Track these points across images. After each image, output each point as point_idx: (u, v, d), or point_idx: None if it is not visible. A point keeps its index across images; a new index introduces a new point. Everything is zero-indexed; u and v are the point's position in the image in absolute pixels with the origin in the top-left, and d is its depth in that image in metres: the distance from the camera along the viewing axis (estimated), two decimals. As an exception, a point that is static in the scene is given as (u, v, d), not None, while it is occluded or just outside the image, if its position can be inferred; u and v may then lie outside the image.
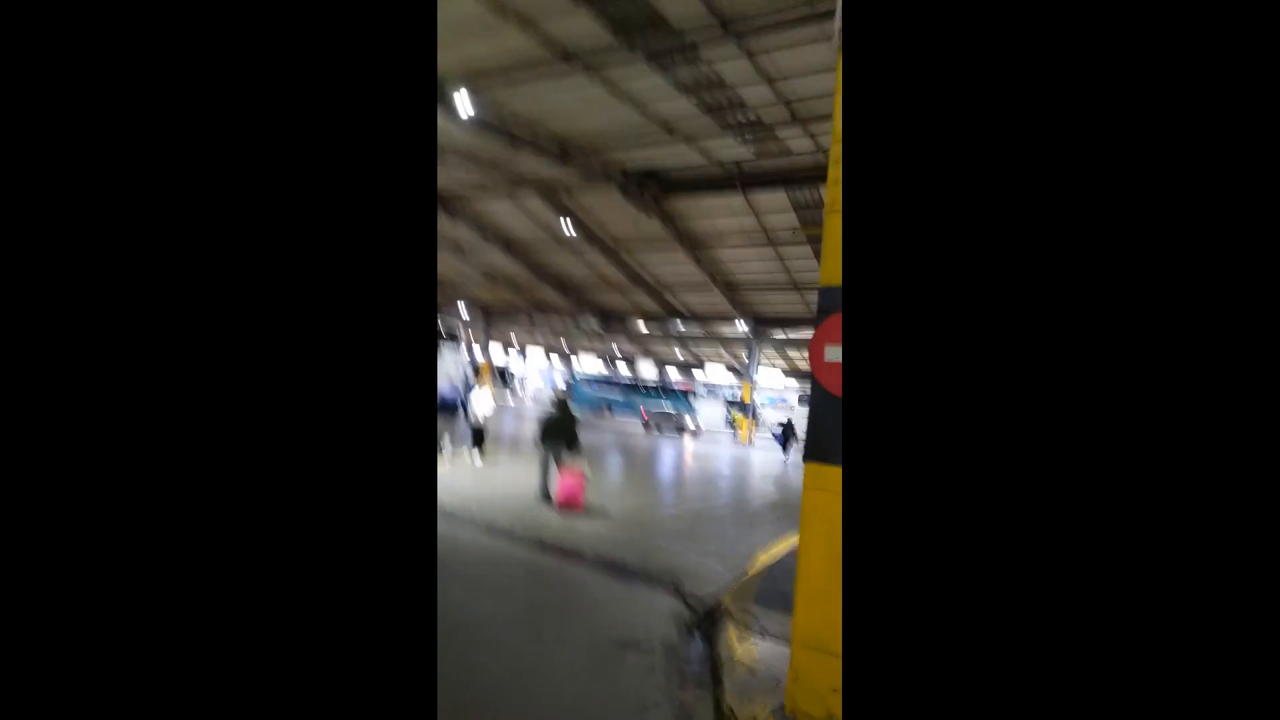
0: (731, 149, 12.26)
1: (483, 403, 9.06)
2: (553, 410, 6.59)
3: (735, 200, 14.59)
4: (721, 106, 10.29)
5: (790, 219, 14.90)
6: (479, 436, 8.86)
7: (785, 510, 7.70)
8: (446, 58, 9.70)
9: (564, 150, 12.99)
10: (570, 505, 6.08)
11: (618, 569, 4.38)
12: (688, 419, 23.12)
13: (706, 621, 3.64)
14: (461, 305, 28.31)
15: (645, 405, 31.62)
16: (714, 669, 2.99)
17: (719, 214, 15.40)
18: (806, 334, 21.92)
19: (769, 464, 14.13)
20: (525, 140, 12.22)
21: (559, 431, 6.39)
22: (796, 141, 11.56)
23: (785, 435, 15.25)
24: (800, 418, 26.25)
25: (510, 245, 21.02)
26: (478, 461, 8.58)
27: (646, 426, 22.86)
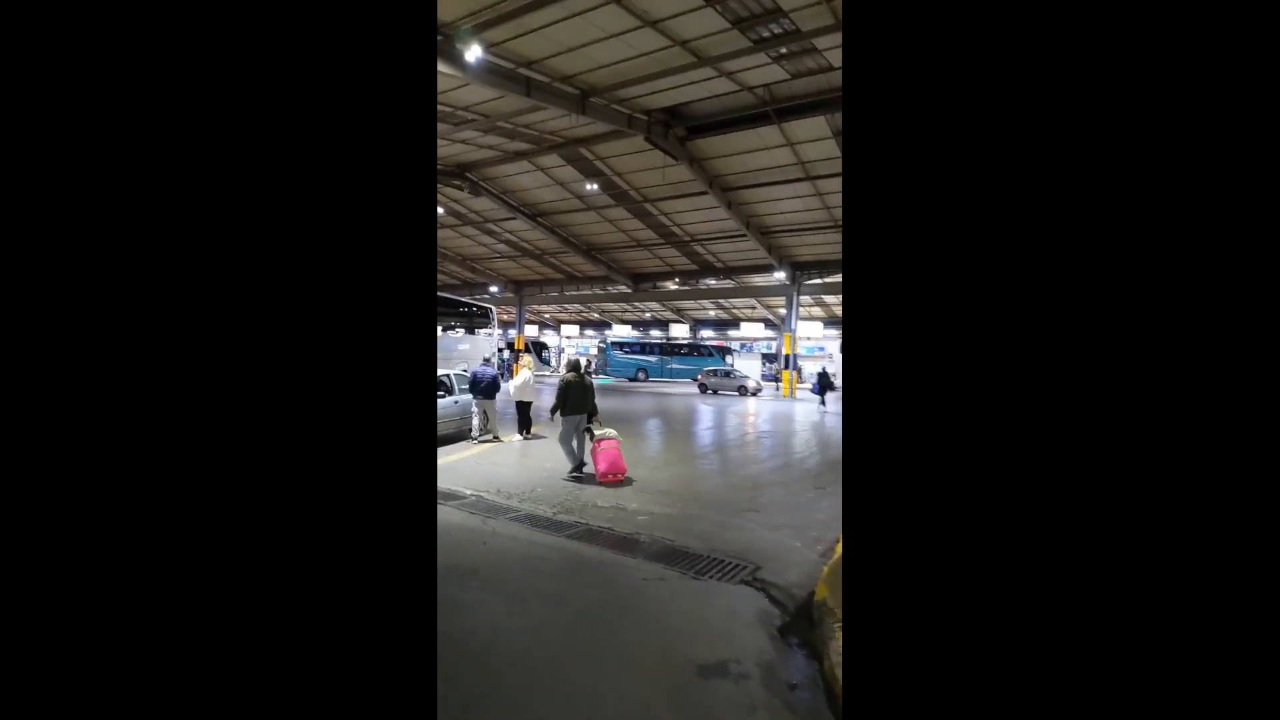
0: (763, 70, 10.96)
1: (522, 381, 8.37)
2: (569, 377, 5.82)
3: (768, 132, 13.27)
4: (752, 15, 9.03)
5: (831, 147, 13.52)
6: (523, 415, 8.19)
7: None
8: (449, 6, 8.74)
9: (583, 94, 11.90)
10: (613, 475, 5.41)
11: (681, 556, 3.62)
12: (748, 379, 21.87)
13: (802, 622, 2.87)
14: (492, 286, 27.71)
15: (681, 366, 30.92)
16: (830, 694, 2.22)
17: (751, 150, 14.12)
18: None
19: (810, 414, 13.22)
20: (541, 86, 11.18)
21: (579, 401, 5.75)
22: (838, 53, 10.20)
23: (822, 384, 15.08)
24: (839, 366, 25.26)
25: (535, 213, 20.14)
26: (516, 440, 7.97)
27: (702, 389, 21.81)
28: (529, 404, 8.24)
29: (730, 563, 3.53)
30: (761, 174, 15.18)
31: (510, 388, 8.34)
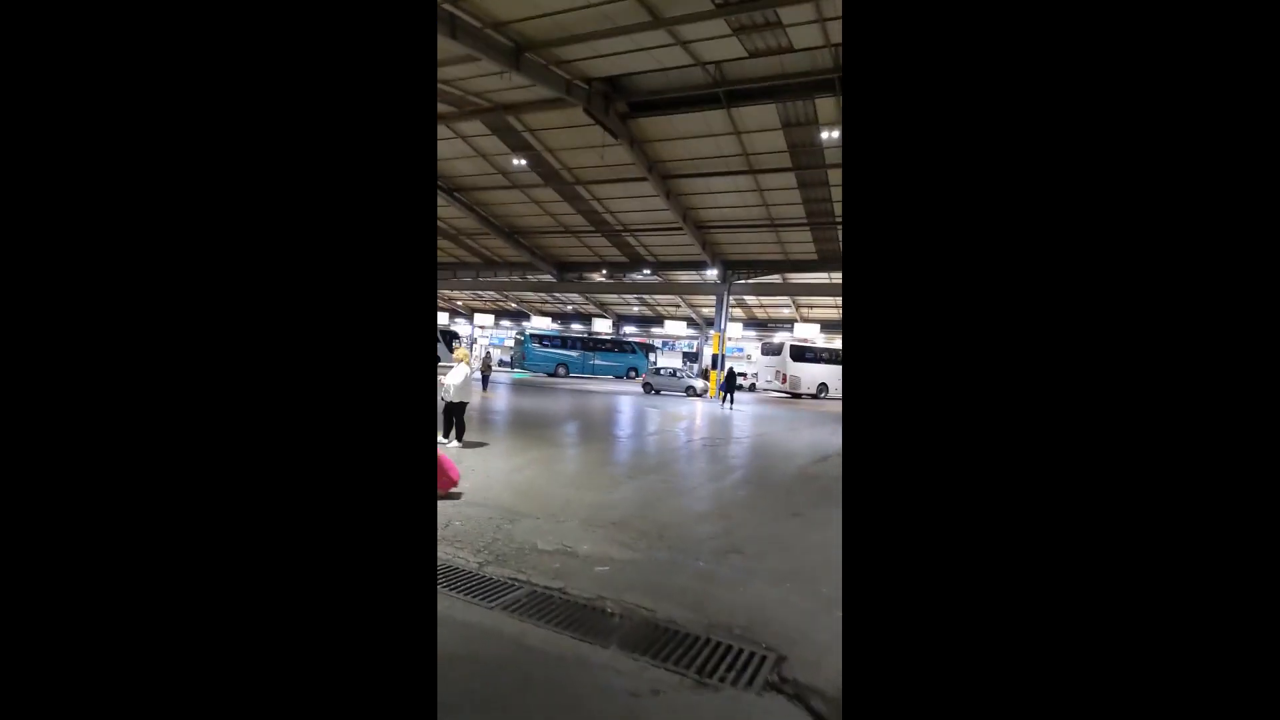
0: (721, 43, 10.06)
1: (462, 378, 6.66)
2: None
3: (716, 118, 12.46)
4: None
5: (778, 140, 12.93)
6: (458, 419, 6.64)
7: (816, 478, 6.11)
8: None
9: (518, 48, 10.44)
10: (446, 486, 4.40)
11: (670, 641, 2.52)
12: (696, 380, 20.87)
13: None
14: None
15: (604, 362, 29.83)
16: None
17: (696, 135, 13.25)
18: (777, 278, 20.35)
19: (745, 419, 12.65)
20: (469, 30, 9.60)
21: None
22: (804, 31, 9.49)
23: (728, 383, 16.31)
24: (765, 368, 25.27)
25: (452, 188, 18.20)
26: (452, 446, 6.50)
27: (647, 388, 20.53)
28: (464, 405, 6.73)
29: (739, 650, 2.47)
30: (704, 163, 14.39)
31: (449, 386, 6.53)
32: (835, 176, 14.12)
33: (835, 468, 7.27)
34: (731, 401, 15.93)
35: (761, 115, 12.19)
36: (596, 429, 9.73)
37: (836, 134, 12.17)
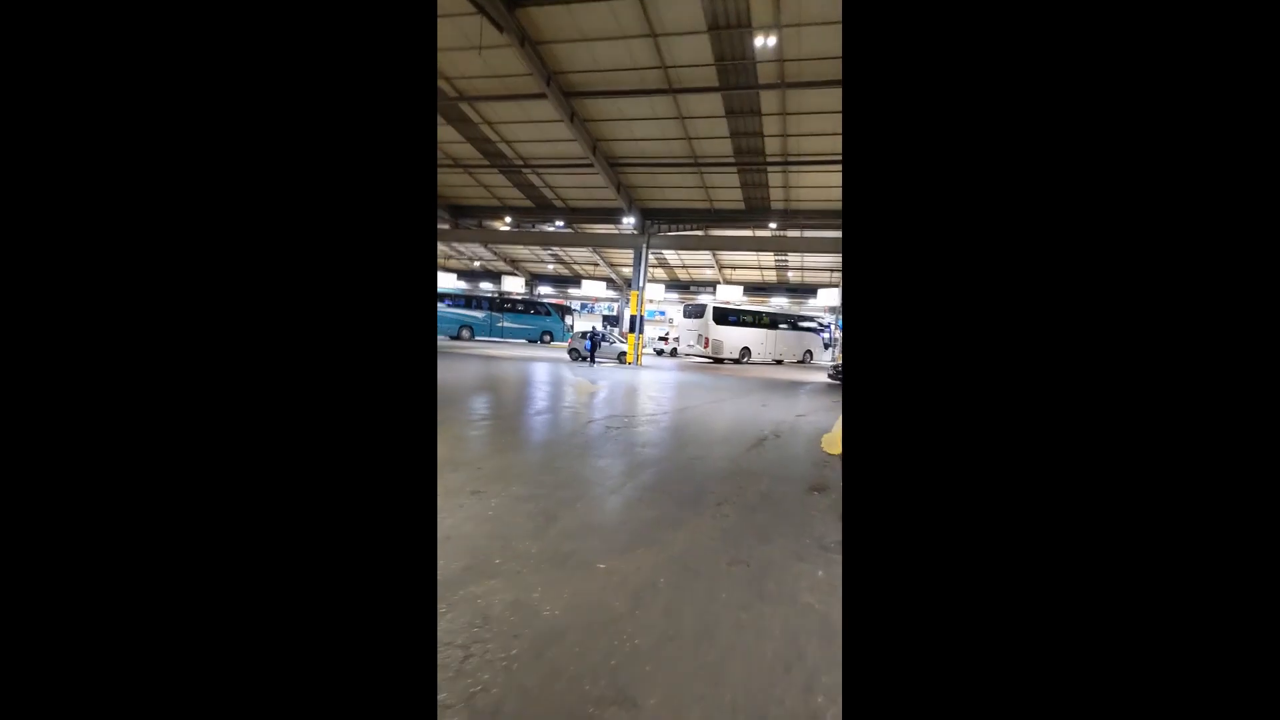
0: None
1: None
2: None
3: (627, 10, 9.95)
4: None
5: (704, 48, 10.62)
6: None
7: (754, 476, 4.15)
8: None
9: None
10: None
11: None
12: (624, 347, 18.57)
13: None
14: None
15: (514, 325, 26.98)
16: None
17: (603, 37, 10.68)
18: (700, 232, 18.33)
19: (638, 383, 10.70)
20: None
21: None
22: None
23: (593, 343, 16.44)
24: (686, 332, 23.55)
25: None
26: None
27: (574, 355, 17.98)
28: None
29: None
30: (615, 77, 11.85)
31: None
32: (768, 102, 12.06)
33: (775, 457, 5.28)
34: (594, 361, 16.33)
35: (684, 11, 9.82)
36: (476, 407, 7.32)
37: (773, 41, 10.04)
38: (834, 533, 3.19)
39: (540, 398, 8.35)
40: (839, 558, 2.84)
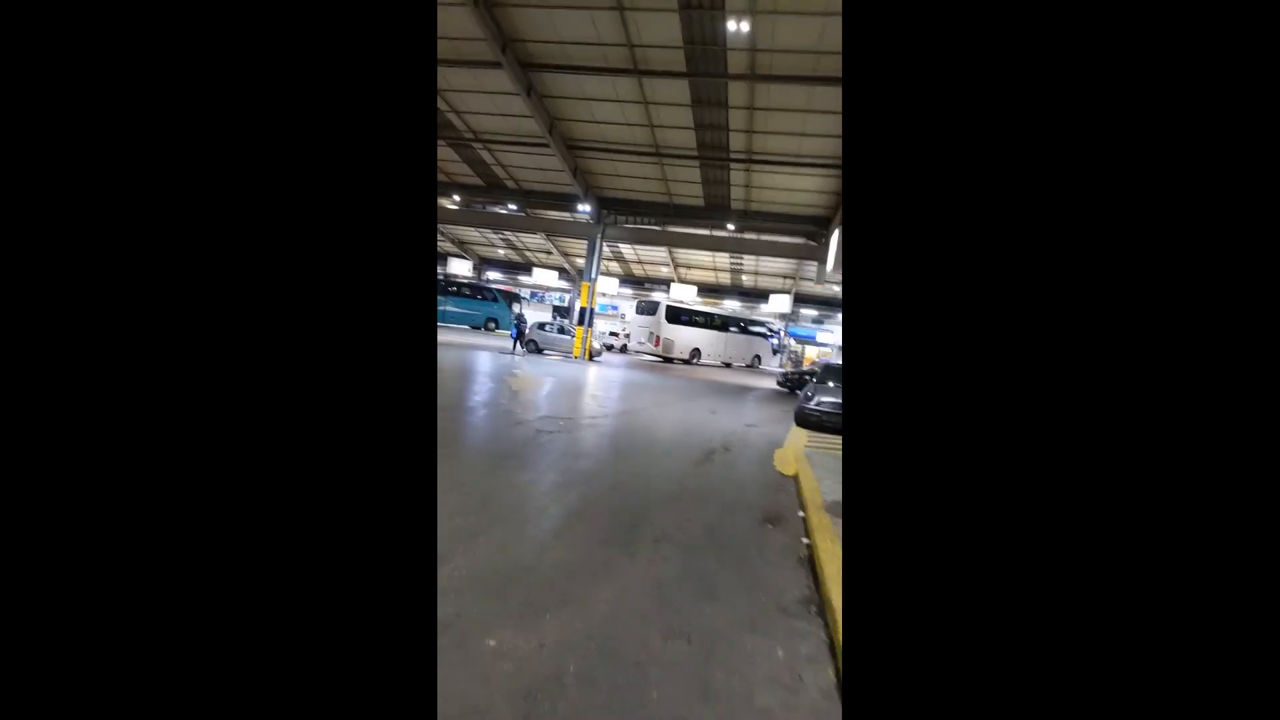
0: None
1: None
2: None
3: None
4: None
5: (674, 28, 9.95)
6: None
7: (701, 499, 3.55)
8: None
9: None
10: None
11: None
12: (597, 344, 17.49)
13: None
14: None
15: (458, 310, 25.65)
16: None
17: (563, 4, 9.85)
18: (659, 227, 17.73)
19: (586, 379, 10.05)
20: None
21: None
22: None
23: (519, 330, 16.43)
24: (638, 328, 22.97)
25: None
26: None
27: (529, 346, 16.80)
28: None
29: None
30: (577, 51, 11.04)
31: None
32: (736, 94, 11.54)
33: (723, 476, 4.70)
34: (524, 350, 16.20)
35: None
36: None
37: (746, 26, 9.49)
38: (794, 585, 2.61)
39: (467, 393, 7.51)
40: (803, 626, 2.25)
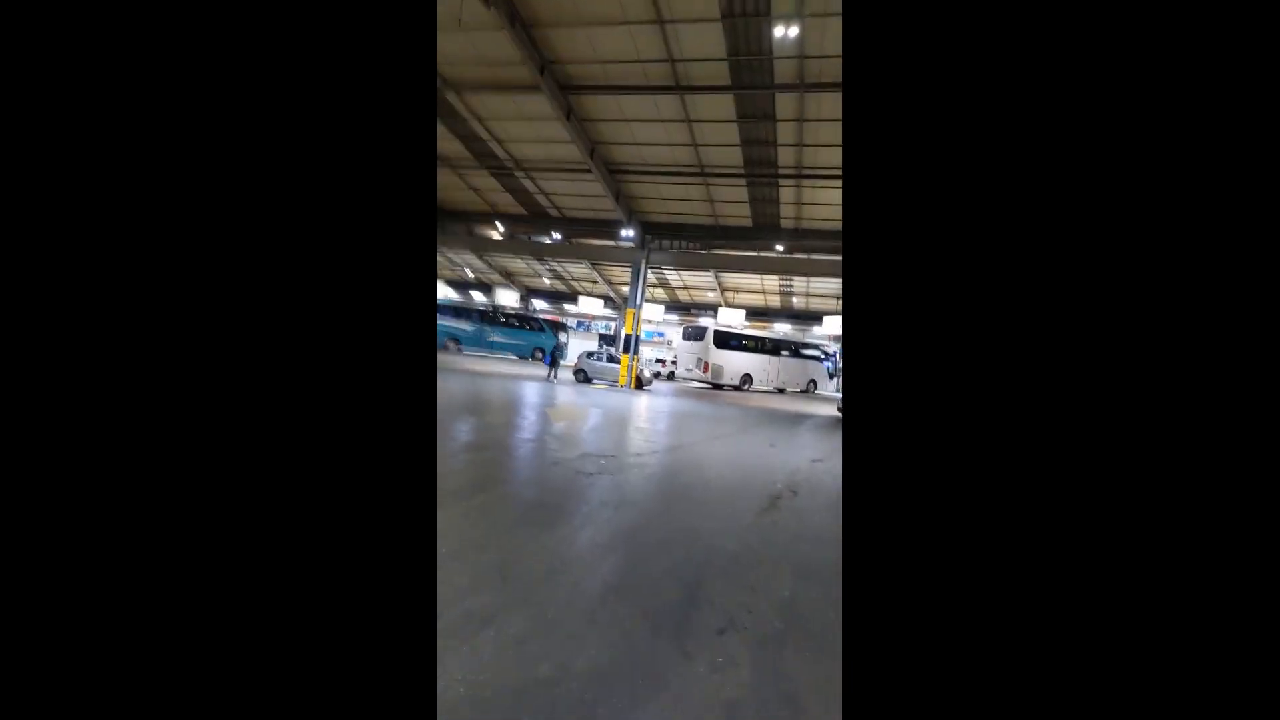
0: None
1: None
2: None
3: (632, -11, 8.85)
4: None
5: (717, 39, 9.50)
6: None
7: (774, 566, 2.81)
8: None
9: None
10: None
11: None
12: (644, 368, 17.09)
13: None
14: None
15: (505, 340, 25.69)
16: None
17: (604, 22, 9.57)
18: (704, 250, 17.14)
19: (635, 409, 9.37)
20: None
21: None
22: None
23: (553, 357, 16.56)
24: (685, 354, 22.23)
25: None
26: None
27: (578, 375, 16.58)
28: None
29: None
30: (617, 70, 10.74)
31: None
32: (784, 106, 10.95)
33: (795, 529, 3.93)
34: (553, 373, 16.37)
35: (696, -3, 8.72)
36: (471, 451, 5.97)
37: (794, 32, 8.94)
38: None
39: (506, 427, 7.00)
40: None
